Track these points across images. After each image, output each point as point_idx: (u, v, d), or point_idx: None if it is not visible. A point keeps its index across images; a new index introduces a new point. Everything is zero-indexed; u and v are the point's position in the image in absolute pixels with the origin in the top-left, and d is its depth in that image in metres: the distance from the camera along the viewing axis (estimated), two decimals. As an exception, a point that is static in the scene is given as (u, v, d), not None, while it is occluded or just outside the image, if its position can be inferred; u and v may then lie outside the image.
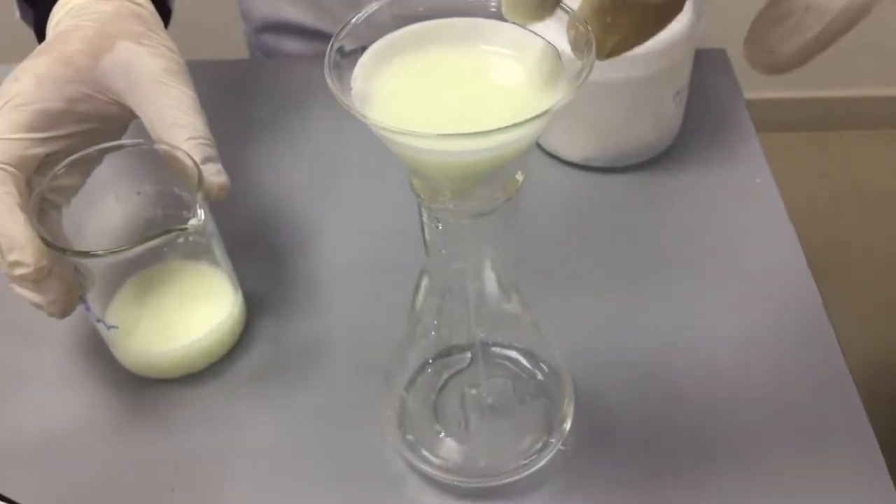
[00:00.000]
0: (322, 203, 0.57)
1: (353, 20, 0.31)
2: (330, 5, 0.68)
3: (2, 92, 0.42)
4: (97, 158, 0.44)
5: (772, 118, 1.64)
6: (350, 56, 0.31)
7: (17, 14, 0.55)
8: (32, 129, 0.41)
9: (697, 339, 0.48)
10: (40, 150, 0.42)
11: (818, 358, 0.47)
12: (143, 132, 0.45)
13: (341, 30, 0.31)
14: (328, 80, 0.29)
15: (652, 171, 0.58)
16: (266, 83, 0.67)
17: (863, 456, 0.42)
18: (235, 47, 0.83)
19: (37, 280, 0.40)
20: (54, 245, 0.41)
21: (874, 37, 1.60)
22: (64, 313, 0.42)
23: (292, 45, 0.73)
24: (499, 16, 0.30)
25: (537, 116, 0.27)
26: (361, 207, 0.57)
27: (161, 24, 0.48)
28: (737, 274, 0.51)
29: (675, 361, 0.47)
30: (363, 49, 0.31)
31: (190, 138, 0.43)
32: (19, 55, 0.45)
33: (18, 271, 0.39)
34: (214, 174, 0.43)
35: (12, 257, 0.39)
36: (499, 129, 0.26)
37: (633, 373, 0.46)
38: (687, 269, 0.52)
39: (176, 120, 0.43)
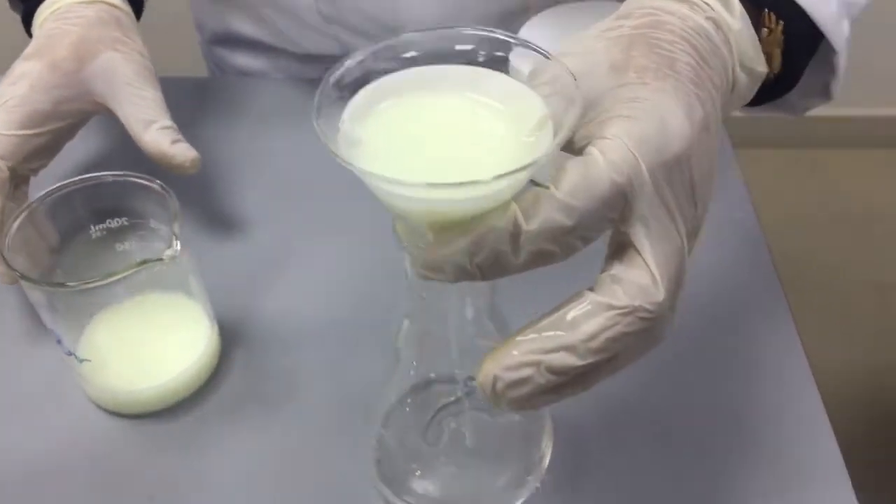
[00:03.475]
0: (297, 231, 0.57)
1: (347, 63, 0.31)
2: (277, 22, 0.68)
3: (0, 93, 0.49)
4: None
5: (753, 135, 1.66)
6: (336, 98, 0.31)
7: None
8: (23, 126, 0.48)
9: (675, 370, 0.48)
10: (29, 144, 0.49)
11: (790, 385, 0.47)
12: (124, 155, 0.45)
13: (331, 72, 0.30)
14: (315, 125, 0.29)
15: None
16: (228, 102, 0.67)
17: (829, 474, 0.43)
18: (196, 62, 0.82)
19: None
20: (25, 276, 0.40)
21: (858, 57, 1.62)
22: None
23: (243, 58, 0.74)
24: (488, 64, 0.30)
25: (523, 168, 0.27)
26: (337, 236, 0.56)
27: (135, 24, 0.55)
28: (712, 303, 0.51)
29: (651, 397, 0.47)
30: (346, 92, 0.31)
31: (160, 128, 0.50)
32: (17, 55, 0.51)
33: None
34: (184, 150, 0.50)
35: None
36: (483, 181, 0.26)
37: (611, 407, 0.46)
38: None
39: (146, 115, 0.50)
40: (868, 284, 1.53)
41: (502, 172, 0.27)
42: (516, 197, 0.30)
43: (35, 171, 0.51)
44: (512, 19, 0.62)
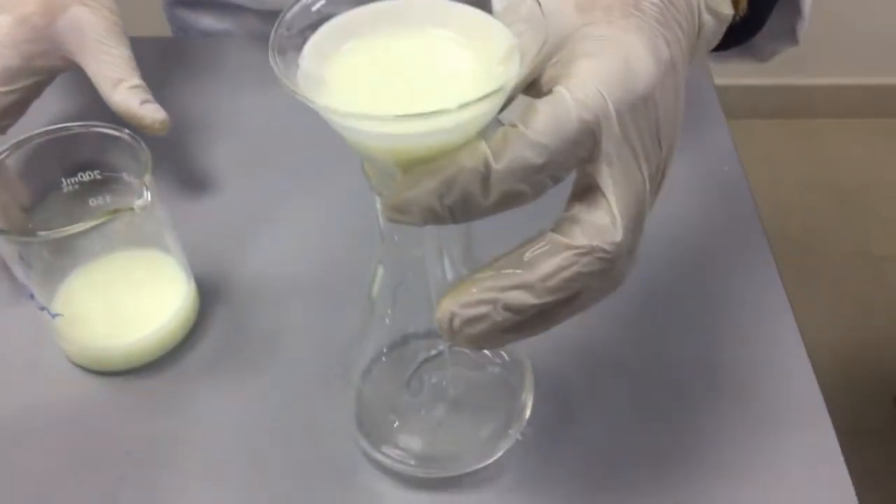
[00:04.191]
0: (273, 187, 0.56)
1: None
2: None
3: None
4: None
5: (747, 105, 1.65)
6: (294, 37, 0.30)
7: None
8: None
9: (659, 328, 0.48)
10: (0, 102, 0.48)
11: (781, 352, 0.47)
12: (94, 113, 0.44)
13: (287, 10, 0.29)
14: (273, 63, 0.28)
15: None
16: (195, 62, 0.66)
17: (820, 442, 0.43)
18: (161, 24, 0.81)
19: None
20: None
21: (850, 25, 1.61)
22: None
23: (206, 19, 0.73)
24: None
25: (488, 95, 0.26)
26: (313, 192, 0.55)
27: None
28: (700, 265, 0.51)
29: (636, 350, 0.46)
30: (305, 30, 0.30)
31: (129, 87, 0.49)
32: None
33: None
34: (154, 112, 0.49)
35: None
36: (448, 110, 0.26)
37: (593, 361, 0.46)
38: (650, 258, 0.51)
39: (116, 74, 0.49)
40: (860, 255, 1.53)
41: (467, 101, 0.26)
42: (485, 135, 0.29)
43: (3, 130, 0.50)
44: None
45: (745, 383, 0.45)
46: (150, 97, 0.50)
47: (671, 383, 0.45)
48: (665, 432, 0.43)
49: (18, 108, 0.50)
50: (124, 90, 0.49)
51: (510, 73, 0.28)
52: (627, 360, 0.46)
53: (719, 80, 0.63)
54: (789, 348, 0.47)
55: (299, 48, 0.30)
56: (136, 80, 0.50)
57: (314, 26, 0.30)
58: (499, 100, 0.27)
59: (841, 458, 0.42)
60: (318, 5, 0.30)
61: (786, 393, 0.45)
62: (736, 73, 1.21)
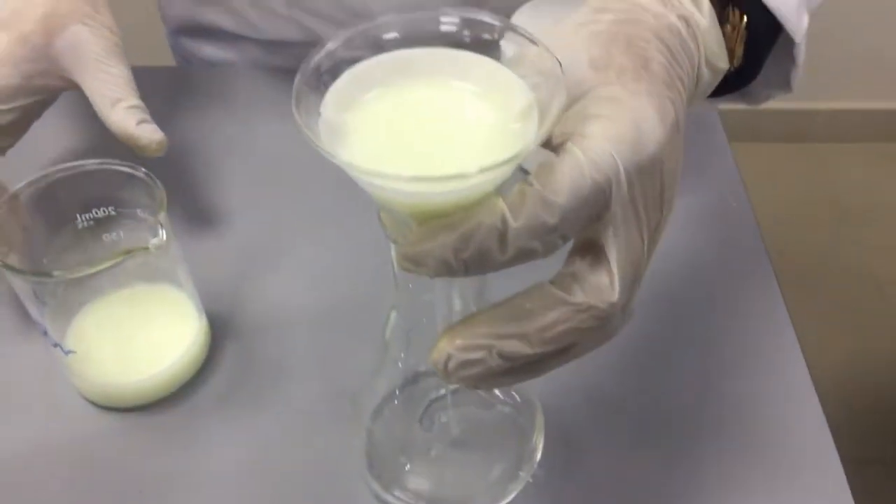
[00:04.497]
0: (282, 221, 0.56)
1: (327, 47, 0.30)
2: (240, 8, 0.68)
3: None
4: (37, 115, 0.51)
5: (752, 128, 1.65)
6: (316, 84, 0.30)
7: None
8: None
9: (666, 366, 0.48)
10: None
11: (786, 380, 0.47)
12: (108, 149, 0.44)
13: (310, 58, 0.30)
14: (295, 115, 0.28)
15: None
16: (200, 92, 0.66)
17: (824, 471, 0.43)
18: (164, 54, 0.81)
19: None
20: (9, 265, 0.40)
21: (852, 50, 1.62)
22: None
23: (209, 49, 0.73)
24: (471, 47, 0.30)
25: (507, 161, 0.26)
26: (322, 226, 0.56)
27: None
28: (707, 296, 0.51)
29: (644, 390, 0.47)
30: (326, 77, 0.30)
31: (127, 107, 0.48)
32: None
33: None
34: (150, 132, 0.48)
35: None
36: (466, 175, 0.26)
37: (602, 401, 0.46)
38: (656, 293, 0.51)
39: (114, 93, 0.49)
40: (865, 279, 1.53)
41: (487, 165, 0.26)
42: (503, 187, 0.29)
43: (2, 151, 0.50)
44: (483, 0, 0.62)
45: (751, 414, 0.45)
46: (147, 117, 0.49)
47: (676, 418, 0.45)
48: (675, 475, 0.43)
49: (18, 127, 0.50)
50: (122, 110, 0.48)
51: (528, 133, 0.28)
52: (637, 402, 0.46)
53: (723, 105, 0.63)
54: (795, 380, 0.47)
55: (321, 95, 0.30)
56: (135, 101, 0.49)
57: (335, 73, 0.31)
58: (517, 162, 0.27)
59: (848, 491, 0.42)
60: (339, 52, 0.31)
61: (792, 424, 0.45)
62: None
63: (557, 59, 0.29)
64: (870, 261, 1.56)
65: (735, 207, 0.57)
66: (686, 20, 0.34)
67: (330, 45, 0.30)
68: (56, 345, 0.43)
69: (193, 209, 0.57)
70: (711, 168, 0.59)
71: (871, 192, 1.69)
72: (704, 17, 0.35)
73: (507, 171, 0.28)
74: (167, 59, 0.78)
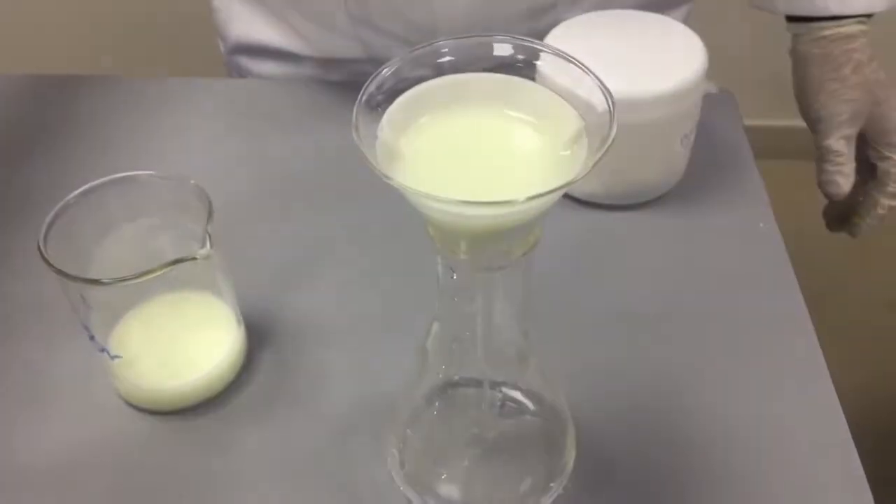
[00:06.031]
0: (324, 230, 0.57)
1: (382, 72, 0.31)
2: (301, 26, 0.69)
3: None
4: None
5: (778, 147, 1.64)
6: (373, 107, 0.31)
7: None
8: None
9: (698, 382, 0.48)
10: None
11: (813, 400, 0.47)
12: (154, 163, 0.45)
13: (370, 82, 0.31)
14: (355, 137, 0.29)
15: (655, 210, 0.58)
16: (252, 104, 0.68)
17: (852, 492, 0.43)
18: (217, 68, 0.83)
19: None
20: (61, 271, 0.41)
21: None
22: None
23: (265, 66, 0.74)
24: (520, 71, 0.31)
25: (556, 190, 0.27)
26: (361, 236, 0.57)
27: None
28: (735, 316, 0.52)
29: (674, 409, 0.47)
30: (382, 101, 0.31)
31: None
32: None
33: None
34: None
35: None
36: (516, 202, 0.27)
37: (634, 416, 0.47)
38: (685, 314, 0.52)
39: None
40: (891, 300, 1.52)
41: (535, 194, 0.27)
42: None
43: None
44: (540, 15, 0.63)
45: (778, 434, 0.46)
46: None
47: (705, 437, 0.46)
48: (705, 490, 0.44)
49: None
50: None
51: (578, 159, 0.29)
52: (668, 416, 0.47)
53: (748, 121, 0.64)
54: (821, 400, 0.47)
55: (378, 117, 0.31)
56: None
57: (391, 96, 0.32)
58: (565, 189, 0.28)
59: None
60: (396, 74, 0.32)
61: (819, 443, 0.45)
62: (768, 114, 1.22)
63: (603, 83, 0.30)
64: (891, 281, 1.55)
65: (763, 228, 0.57)
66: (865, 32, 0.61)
67: (385, 71, 0.31)
68: (103, 349, 0.45)
69: (236, 219, 0.58)
70: (739, 188, 0.60)
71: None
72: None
73: (554, 197, 0.29)
74: (221, 73, 0.79)
